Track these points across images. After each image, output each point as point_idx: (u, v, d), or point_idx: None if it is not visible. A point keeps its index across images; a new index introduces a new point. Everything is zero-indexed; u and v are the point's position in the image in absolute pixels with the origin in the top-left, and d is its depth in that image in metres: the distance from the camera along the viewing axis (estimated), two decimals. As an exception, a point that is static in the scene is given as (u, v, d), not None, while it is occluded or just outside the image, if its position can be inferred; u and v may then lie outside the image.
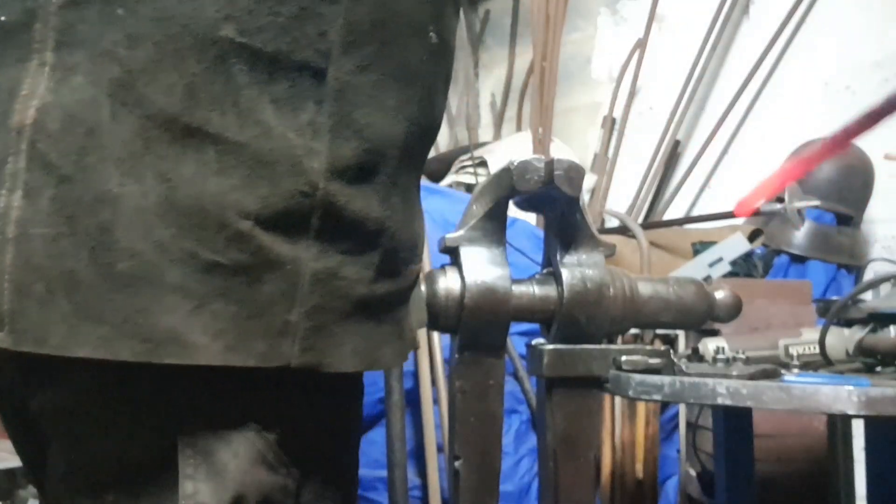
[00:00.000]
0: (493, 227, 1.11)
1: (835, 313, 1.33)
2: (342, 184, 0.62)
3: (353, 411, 0.72)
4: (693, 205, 3.26)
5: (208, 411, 0.61)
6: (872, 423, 1.50)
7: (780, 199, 2.53)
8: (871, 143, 2.64)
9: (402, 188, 0.67)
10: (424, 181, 2.87)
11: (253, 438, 0.62)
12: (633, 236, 2.48)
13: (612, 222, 3.08)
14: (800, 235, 2.60)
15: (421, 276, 1.12)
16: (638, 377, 1.12)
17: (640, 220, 3.13)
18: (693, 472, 2.18)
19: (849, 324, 1.35)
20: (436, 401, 2.09)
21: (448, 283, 1.08)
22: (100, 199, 0.57)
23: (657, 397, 1.10)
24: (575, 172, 1.08)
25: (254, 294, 0.59)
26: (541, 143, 3.12)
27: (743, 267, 2.42)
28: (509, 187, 1.09)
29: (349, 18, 0.61)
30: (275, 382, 0.63)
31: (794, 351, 1.39)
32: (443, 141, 4.10)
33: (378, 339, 0.66)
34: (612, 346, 1.15)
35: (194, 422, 0.61)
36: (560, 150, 3.30)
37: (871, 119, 0.82)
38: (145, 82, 0.57)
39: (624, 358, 1.13)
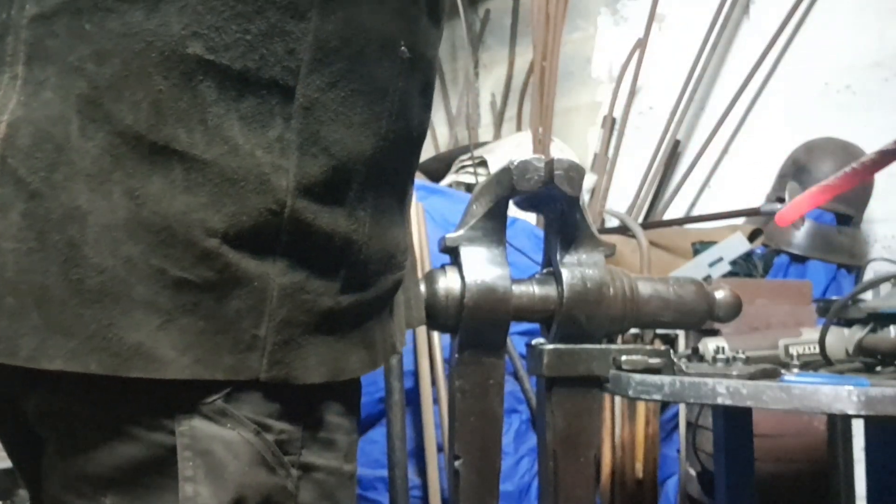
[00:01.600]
0: (493, 226, 1.11)
1: (835, 313, 1.33)
2: (309, 200, 0.62)
3: (351, 411, 0.72)
4: (693, 205, 3.26)
5: (206, 412, 0.61)
6: (872, 423, 1.50)
7: (780, 199, 2.54)
8: (871, 143, 2.64)
9: (371, 202, 0.67)
10: (425, 181, 2.87)
11: (252, 439, 0.62)
12: (633, 236, 2.48)
13: (612, 222, 3.08)
14: (800, 235, 2.60)
15: (420, 275, 1.12)
16: (638, 377, 1.12)
17: (640, 220, 3.13)
18: (693, 472, 2.18)
19: (849, 324, 1.35)
20: (436, 400, 2.09)
21: (448, 282, 1.08)
22: (69, 215, 0.57)
23: (657, 397, 1.10)
24: (575, 172, 1.09)
25: (222, 310, 0.60)
26: (541, 143, 3.12)
27: (743, 267, 2.42)
28: (509, 187, 1.09)
29: (318, 36, 0.61)
30: (272, 384, 0.63)
31: (794, 351, 1.39)
32: (443, 141, 4.10)
33: (343, 350, 0.67)
34: (612, 346, 1.15)
35: (193, 423, 0.61)
36: (560, 150, 3.30)
37: None
38: (112, 98, 0.58)
39: (624, 358, 1.13)
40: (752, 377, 1.08)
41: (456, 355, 1.11)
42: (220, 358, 0.60)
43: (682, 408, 2.21)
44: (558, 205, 1.12)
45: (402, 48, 0.66)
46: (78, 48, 0.58)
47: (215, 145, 0.59)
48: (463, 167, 3.27)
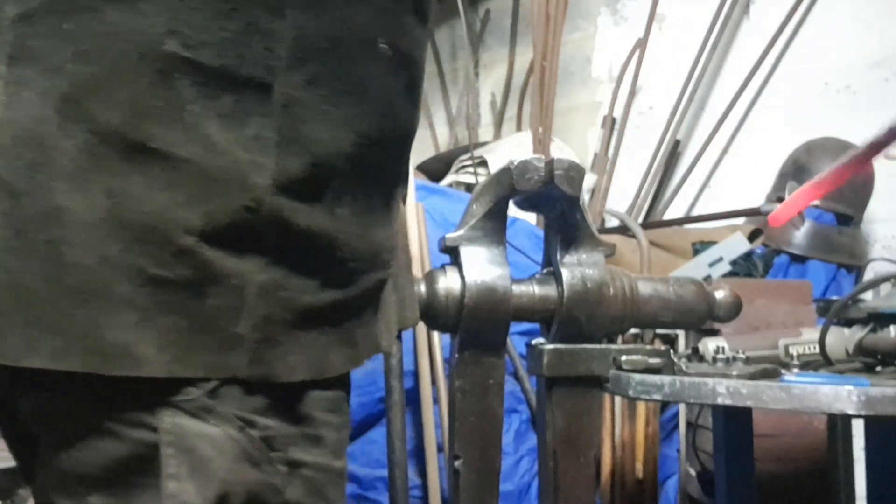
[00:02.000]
0: (494, 226, 1.11)
1: (835, 313, 1.33)
2: (288, 198, 0.62)
3: (339, 407, 0.71)
4: (693, 205, 3.26)
5: (190, 409, 0.61)
6: (872, 423, 1.50)
7: (780, 199, 2.54)
8: (870, 143, 2.64)
9: (355, 200, 0.67)
10: (425, 181, 2.87)
11: (237, 436, 0.62)
12: (633, 236, 2.48)
13: (612, 222, 3.08)
14: (800, 235, 2.61)
15: (420, 275, 1.12)
16: (638, 377, 1.12)
17: (640, 219, 3.13)
18: (693, 472, 2.18)
19: (849, 324, 1.35)
20: (436, 400, 2.09)
21: (448, 282, 1.08)
22: (49, 215, 0.58)
23: (657, 397, 1.10)
24: (575, 172, 1.09)
25: (200, 307, 0.60)
26: (541, 143, 3.13)
27: (743, 267, 2.42)
28: (509, 187, 1.09)
29: (297, 34, 0.61)
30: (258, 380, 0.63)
31: (794, 351, 1.39)
32: (443, 141, 4.10)
33: (326, 347, 0.66)
34: (612, 346, 1.15)
35: (176, 420, 0.61)
36: (560, 150, 3.30)
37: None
38: (92, 98, 0.58)
39: (624, 357, 1.13)
40: (752, 377, 1.08)
41: (456, 355, 1.11)
42: (199, 356, 0.60)
43: (682, 408, 2.22)
44: (558, 205, 1.12)
45: (385, 46, 0.66)
46: (59, 48, 0.59)
47: (193, 143, 0.59)
48: (463, 167, 3.27)
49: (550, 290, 1.13)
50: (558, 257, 1.14)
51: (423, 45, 0.73)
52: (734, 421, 1.52)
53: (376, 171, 0.70)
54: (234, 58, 0.60)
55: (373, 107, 0.66)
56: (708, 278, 2.24)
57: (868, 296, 1.40)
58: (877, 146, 1.09)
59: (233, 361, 0.61)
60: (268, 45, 0.61)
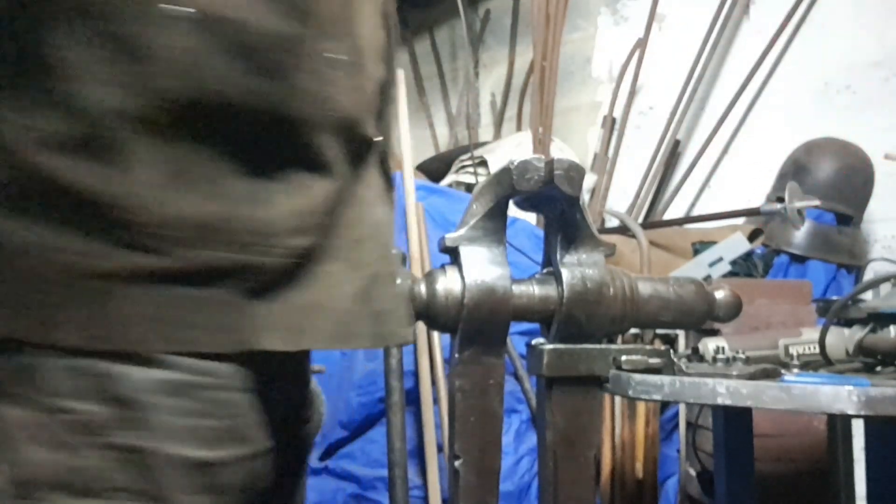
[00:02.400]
0: (494, 226, 1.11)
1: (835, 313, 1.33)
2: (63, 159, 0.62)
3: (181, 391, 0.67)
4: (693, 205, 3.26)
5: None
6: (872, 423, 1.50)
7: (780, 199, 2.54)
8: (871, 143, 2.64)
9: (160, 164, 0.65)
10: (425, 181, 2.87)
11: (44, 419, 0.62)
12: (633, 236, 2.48)
13: (612, 222, 3.08)
14: (800, 235, 2.61)
15: (420, 274, 1.12)
16: (638, 377, 1.11)
17: (640, 219, 3.13)
18: (693, 472, 2.18)
19: (849, 324, 1.35)
20: (436, 400, 2.09)
21: (448, 282, 1.08)
22: None
23: (657, 397, 1.10)
24: (575, 172, 1.08)
25: None
26: (541, 143, 3.12)
27: (743, 267, 2.42)
28: (509, 187, 1.09)
29: None
30: (69, 361, 0.63)
31: (794, 351, 1.39)
32: (443, 141, 4.11)
33: (125, 320, 0.64)
34: (612, 346, 1.15)
35: None
36: (560, 150, 3.30)
37: None
38: None
39: (624, 357, 1.13)
40: (752, 377, 1.08)
41: (456, 355, 1.11)
42: None
43: (682, 408, 2.22)
44: (558, 205, 1.12)
45: (171, 7, 0.64)
46: None
47: None
48: (463, 167, 3.27)
49: (550, 290, 1.13)
50: (558, 257, 1.13)
51: (257, 11, 0.68)
52: (734, 421, 1.52)
53: (191, 139, 0.66)
54: (2, 23, 0.62)
55: (163, 68, 0.64)
56: (708, 278, 2.24)
57: (868, 296, 1.40)
58: None
59: (9, 322, 0.62)
60: (37, 7, 0.62)
